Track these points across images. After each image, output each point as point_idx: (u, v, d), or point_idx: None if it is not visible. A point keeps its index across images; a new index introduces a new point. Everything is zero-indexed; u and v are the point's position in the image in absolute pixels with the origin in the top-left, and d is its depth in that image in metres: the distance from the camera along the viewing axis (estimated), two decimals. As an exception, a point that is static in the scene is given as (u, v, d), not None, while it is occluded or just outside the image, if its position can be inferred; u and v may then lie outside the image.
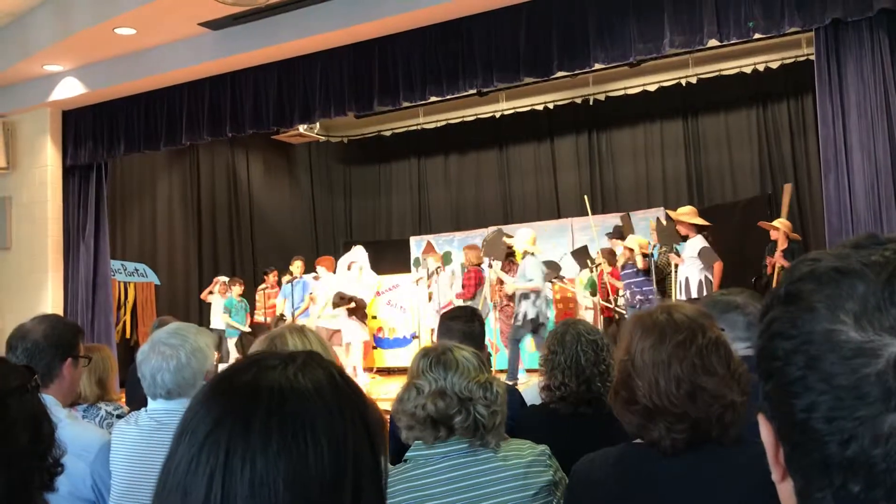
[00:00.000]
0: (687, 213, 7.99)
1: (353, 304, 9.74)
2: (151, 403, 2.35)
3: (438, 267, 9.92)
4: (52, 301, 8.98)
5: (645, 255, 8.15)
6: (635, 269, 8.09)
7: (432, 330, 8.95)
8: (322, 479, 0.74)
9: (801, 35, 8.57)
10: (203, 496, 0.73)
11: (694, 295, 7.45)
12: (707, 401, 1.51)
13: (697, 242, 7.71)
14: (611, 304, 8.77)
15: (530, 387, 3.38)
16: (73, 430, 2.37)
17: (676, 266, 7.87)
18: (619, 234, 9.16)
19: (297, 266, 10.48)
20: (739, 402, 1.54)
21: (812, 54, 6.16)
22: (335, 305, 9.72)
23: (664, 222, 8.28)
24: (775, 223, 7.81)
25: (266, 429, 0.74)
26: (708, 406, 1.51)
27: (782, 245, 7.63)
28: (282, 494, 0.73)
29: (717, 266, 7.52)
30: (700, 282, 7.54)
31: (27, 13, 8.12)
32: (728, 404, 1.52)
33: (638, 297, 7.98)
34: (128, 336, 10.61)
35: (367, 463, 0.79)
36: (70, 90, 8.75)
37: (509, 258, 8.81)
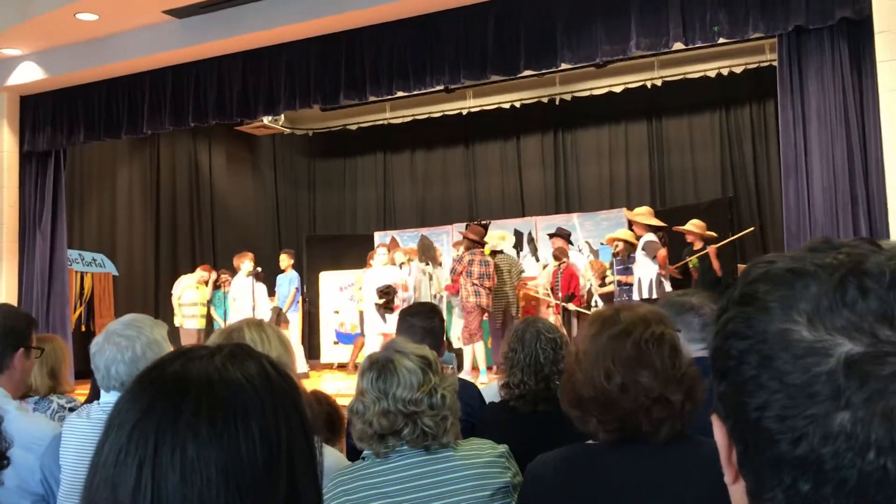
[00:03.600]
0: (643, 214, 8.16)
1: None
2: (104, 396, 2.31)
3: (403, 263, 9.90)
4: (5, 290, 8.80)
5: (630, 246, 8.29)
6: (623, 265, 8.25)
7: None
8: (255, 466, 0.74)
9: (764, 41, 8.70)
10: (132, 487, 0.72)
11: (645, 294, 7.55)
12: (637, 393, 1.52)
13: (645, 238, 7.85)
14: (559, 301, 8.91)
15: (490, 385, 3.39)
16: (23, 422, 2.32)
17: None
18: (562, 233, 9.37)
19: (283, 259, 10.42)
20: (675, 399, 1.53)
21: (775, 60, 6.26)
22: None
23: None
24: (688, 226, 8.06)
25: (195, 417, 0.74)
26: (635, 398, 1.52)
27: (698, 245, 7.98)
28: (214, 481, 0.72)
29: (661, 255, 7.66)
30: (651, 281, 7.64)
31: (-15, -5, 7.93)
32: (657, 398, 1.52)
33: (624, 294, 8.12)
34: (84, 328, 10.42)
35: (302, 452, 0.79)
36: (29, 75, 8.57)
37: (473, 249, 8.79)
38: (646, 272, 7.71)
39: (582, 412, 1.57)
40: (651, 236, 7.82)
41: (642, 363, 1.54)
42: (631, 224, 8.50)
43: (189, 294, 10.03)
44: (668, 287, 7.52)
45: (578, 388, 1.57)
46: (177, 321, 9.89)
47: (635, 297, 7.71)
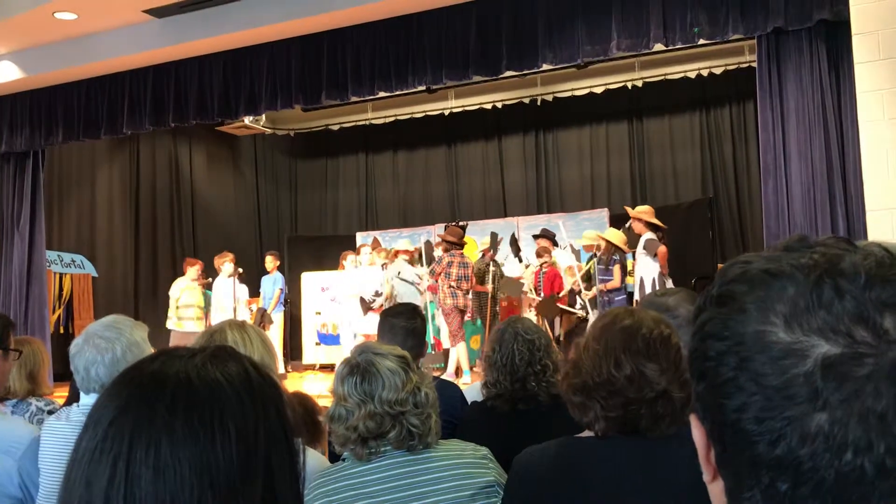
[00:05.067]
0: (645, 212, 8.13)
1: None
2: (84, 398, 2.28)
3: (385, 263, 9.89)
4: (-17, 292, 8.70)
5: (618, 250, 8.32)
6: (604, 265, 8.27)
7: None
8: (230, 466, 0.73)
9: (744, 42, 8.76)
10: (106, 483, 0.71)
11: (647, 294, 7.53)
12: (643, 384, 1.57)
13: (644, 237, 7.83)
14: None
15: (473, 385, 3.39)
16: (1, 425, 2.30)
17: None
18: (547, 234, 9.40)
19: (269, 261, 10.50)
20: (677, 398, 1.58)
21: (754, 61, 6.30)
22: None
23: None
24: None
25: (171, 415, 0.74)
26: (640, 389, 1.57)
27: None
28: (188, 478, 0.71)
29: (661, 252, 7.64)
30: (654, 280, 7.59)
31: (-39, -7, 7.83)
32: (661, 393, 1.57)
33: (606, 295, 8.13)
34: (63, 329, 10.31)
35: (282, 455, 0.79)
36: (6, 75, 8.47)
37: (452, 251, 8.78)
38: (647, 271, 7.65)
39: (586, 398, 1.62)
40: (650, 234, 7.78)
41: (650, 357, 1.60)
42: (624, 223, 8.50)
43: (187, 296, 9.97)
44: (670, 286, 7.50)
45: (585, 375, 1.63)
46: (171, 324, 9.81)
47: (637, 296, 7.67)
